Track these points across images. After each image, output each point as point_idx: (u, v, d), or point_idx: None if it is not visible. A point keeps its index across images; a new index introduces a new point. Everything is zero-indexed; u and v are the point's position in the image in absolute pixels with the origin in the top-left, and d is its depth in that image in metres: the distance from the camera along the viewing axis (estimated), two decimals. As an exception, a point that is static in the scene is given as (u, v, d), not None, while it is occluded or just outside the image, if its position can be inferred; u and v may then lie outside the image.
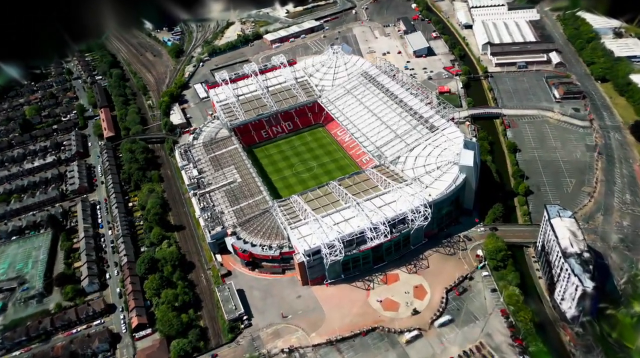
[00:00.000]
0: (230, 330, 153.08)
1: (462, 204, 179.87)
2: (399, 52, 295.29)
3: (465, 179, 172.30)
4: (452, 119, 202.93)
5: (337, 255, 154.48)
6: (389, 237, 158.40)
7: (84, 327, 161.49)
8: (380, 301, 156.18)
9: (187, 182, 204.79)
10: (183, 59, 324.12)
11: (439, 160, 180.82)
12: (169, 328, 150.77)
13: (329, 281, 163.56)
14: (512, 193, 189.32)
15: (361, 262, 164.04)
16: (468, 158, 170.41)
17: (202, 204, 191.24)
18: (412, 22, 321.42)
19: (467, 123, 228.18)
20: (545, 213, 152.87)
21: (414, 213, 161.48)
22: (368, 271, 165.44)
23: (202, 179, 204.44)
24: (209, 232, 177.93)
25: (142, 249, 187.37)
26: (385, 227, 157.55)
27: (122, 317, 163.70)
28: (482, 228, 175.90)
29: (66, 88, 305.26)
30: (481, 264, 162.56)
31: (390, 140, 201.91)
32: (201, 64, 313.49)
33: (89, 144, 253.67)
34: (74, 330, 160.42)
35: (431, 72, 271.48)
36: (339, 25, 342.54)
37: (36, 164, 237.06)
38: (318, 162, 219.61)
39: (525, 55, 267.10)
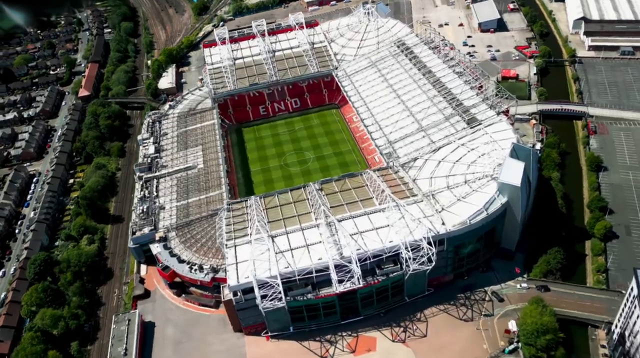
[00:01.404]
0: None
1: (498, 242, 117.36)
2: (461, 25, 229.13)
3: (506, 204, 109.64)
4: (506, 113, 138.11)
5: (276, 300, 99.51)
6: (362, 283, 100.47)
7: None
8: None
9: (139, 160, 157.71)
10: (205, 17, 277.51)
11: (472, 170, 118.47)
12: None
13: (271, 333, 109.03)
14: (584, 234, 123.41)
15: (322, 313, 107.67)
16: (514, 173, 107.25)
17: (143, 192, 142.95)
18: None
19: (533, 121, 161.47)
20: (634, 283, 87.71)
21: (410, 250, 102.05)
22: (333, 327, 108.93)
23: (158, 159, 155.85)
24: (132, 233, 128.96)
25: (56, 243, 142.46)
26: (358, 267, 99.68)
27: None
28: (525, 285, 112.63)
29: (69, 39, 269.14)
30: (510, 347, 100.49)
31: (410, 133, 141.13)
32: (222, 23, 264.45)
33: (63, 103, 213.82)
34: None
35: (497, 51, 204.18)
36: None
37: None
38: (317, 153, 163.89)
39: (634, 38, 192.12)
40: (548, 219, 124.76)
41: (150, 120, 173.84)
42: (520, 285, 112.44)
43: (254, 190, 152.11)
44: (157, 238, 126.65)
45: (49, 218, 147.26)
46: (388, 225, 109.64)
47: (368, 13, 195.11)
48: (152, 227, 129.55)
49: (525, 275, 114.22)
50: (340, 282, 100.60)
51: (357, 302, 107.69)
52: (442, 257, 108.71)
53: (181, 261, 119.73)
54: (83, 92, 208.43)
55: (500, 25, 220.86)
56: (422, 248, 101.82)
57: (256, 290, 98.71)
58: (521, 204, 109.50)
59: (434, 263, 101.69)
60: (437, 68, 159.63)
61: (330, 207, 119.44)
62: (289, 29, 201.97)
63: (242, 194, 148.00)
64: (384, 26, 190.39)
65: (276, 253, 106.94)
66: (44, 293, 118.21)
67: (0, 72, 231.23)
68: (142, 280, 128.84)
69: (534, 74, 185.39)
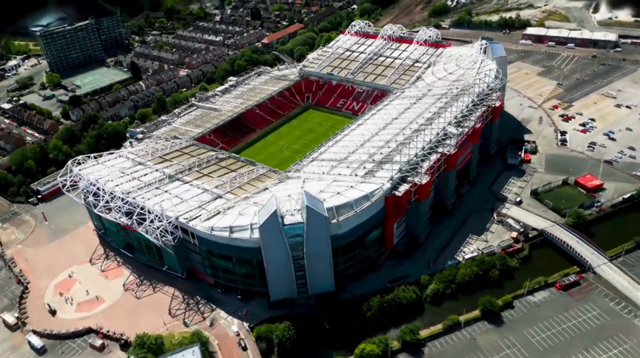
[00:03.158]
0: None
1: (260, 281, 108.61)
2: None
3: (258, 243, 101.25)
4: (412, 185, 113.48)
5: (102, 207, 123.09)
6: (113, 217, 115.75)
7: None
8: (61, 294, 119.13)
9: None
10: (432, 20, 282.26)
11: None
12: None
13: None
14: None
15: (117, 232, 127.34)
16: (263, 216, 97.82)
17: (178, 110, 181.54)
18: None
19: (514, 234, 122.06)
20: None
21: (155, 219, 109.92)
22: (121, 251, 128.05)
23: (216, 95, 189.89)
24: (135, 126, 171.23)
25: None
26: (121, 204, 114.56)
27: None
28: (235, 329, 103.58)
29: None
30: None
31: (337, 159, 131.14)
32: (433, 28, 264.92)
33: (257, 44, 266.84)
34: None
35: (631, 157, 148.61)
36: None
37: (210, 37, 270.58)
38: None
39: None
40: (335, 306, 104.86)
41: (255, 72, 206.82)
42: (233, 328, 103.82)
43: (242, 151, 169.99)
44: (136, 136, 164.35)
45: (138, 101, 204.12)
46: (184, 200, 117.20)
47: (480, 49, 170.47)
48: (145, 130, 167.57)
49: (251, 325, 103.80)
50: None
51: (132, 241, 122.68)
52: (195, 252, 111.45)
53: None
54: (265, 41, 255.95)
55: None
56: (161, 224, 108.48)
57: (81, 182, 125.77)
58: (266, 253, 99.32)
59: (151, 237, 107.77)
60: (445, 120, 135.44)
61: (199, 171, 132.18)
62: (417, 41, 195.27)
63: (236, 150, 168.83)
64: (478, 66, 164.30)
65: (124, 174, 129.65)
66: (66, 132, 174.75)
67: (253, 11, 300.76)
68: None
69: (622, 198, 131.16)
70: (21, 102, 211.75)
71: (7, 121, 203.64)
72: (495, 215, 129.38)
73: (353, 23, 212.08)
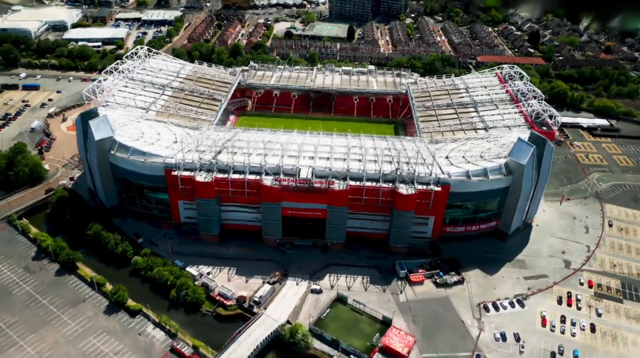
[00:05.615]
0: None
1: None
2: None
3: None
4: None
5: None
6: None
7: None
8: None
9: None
10: None
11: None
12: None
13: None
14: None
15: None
16: (79, 116, 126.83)
17: (298, 67, 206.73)
18: None
19: (243, 294, 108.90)
20: None
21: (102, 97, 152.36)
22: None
23: (337, 72, 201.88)
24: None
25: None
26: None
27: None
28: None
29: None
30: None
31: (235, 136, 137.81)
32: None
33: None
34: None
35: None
36: None
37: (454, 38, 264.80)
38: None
39: None
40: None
41: (397, 72, 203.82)
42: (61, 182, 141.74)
43: (297, 119, 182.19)
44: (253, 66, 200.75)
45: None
46: (134, 100, 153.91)
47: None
48: (256, 66, 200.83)
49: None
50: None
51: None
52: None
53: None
54: (480, 59, 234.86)
55: None
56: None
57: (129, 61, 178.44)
58: (78, 144, 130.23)
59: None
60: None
61: (182, 94, 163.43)
62: (520, 109, 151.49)
63: (294, 116, 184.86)
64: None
65: (157, 71, 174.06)
66: (233, 48, 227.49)
67: (533, 32, 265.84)
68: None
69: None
70: (268, 22, 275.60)
71: (250, 30, 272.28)
72: (270, 276, 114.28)
73: (504, 65, 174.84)
